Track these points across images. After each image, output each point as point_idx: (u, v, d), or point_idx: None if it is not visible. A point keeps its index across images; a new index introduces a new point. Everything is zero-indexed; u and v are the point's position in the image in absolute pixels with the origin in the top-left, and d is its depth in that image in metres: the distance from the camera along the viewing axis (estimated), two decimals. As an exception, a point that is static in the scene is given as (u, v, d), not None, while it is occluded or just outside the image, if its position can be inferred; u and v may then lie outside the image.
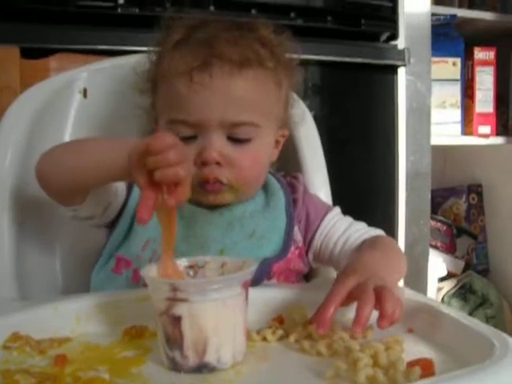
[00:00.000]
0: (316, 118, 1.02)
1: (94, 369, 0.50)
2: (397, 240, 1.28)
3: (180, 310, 0.50)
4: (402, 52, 1.28)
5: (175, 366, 0.51)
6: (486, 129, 1.67)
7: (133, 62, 0.81)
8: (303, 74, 1.22)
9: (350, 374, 0.48)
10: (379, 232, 0.81)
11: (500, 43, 1.72)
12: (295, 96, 0.86)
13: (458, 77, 1.64)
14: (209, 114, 0.70)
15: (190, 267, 0.58)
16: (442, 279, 1.82)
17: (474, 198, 1.97)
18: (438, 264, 1.78)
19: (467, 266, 1.91)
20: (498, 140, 1.70)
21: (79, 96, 0.89)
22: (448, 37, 1.60)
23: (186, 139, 0.71)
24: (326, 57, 1.20)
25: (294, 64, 0.79)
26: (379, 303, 0.55)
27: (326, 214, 0.81)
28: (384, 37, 1.29)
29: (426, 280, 1.40)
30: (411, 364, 0.47)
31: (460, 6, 1.73)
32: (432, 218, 1.82)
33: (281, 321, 0.62)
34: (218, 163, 0.71)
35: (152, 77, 0.77)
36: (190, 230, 0.74)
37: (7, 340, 0.55)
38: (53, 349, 0.56)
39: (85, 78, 0.90)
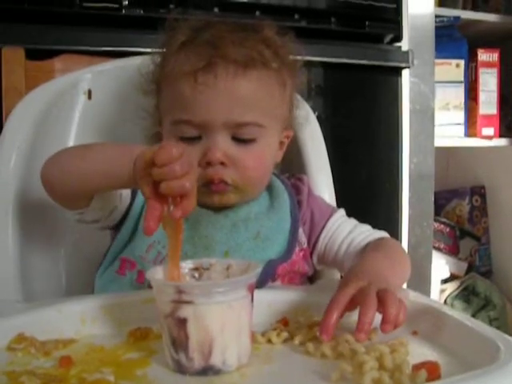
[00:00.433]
0: (320, 120, 1.02)
1: (99, 370, 0.50)
2: (400, 242, 1.28)
3: (185, 312, 0.50)
4: (406, 54, 1.28)
5: (180, 369, 0.51)
6: (489, 130, 1.67)
7: (137, 63, 0.82)
8: (307, 76, 1.22)
9: (355, 376, 0.48)
10: (384, 234, 0.81)
11: (504, 45, 1.72)
12: (299, 97, 0.86)
13: (462, 78, 1.64)
14: (213, 114, 0.70)
15: (195, 269, 0.58)
16: (445, 281, 1.82)
17: (477, 200, 1.97)
18: (441, 266, 1.78)
19: (470, 268, 1.91)
20: (502, 142, 1.70)
21: (84, 97, 0.90)
22: (452, 38, 1.60)
23: (191, 140, 0.71)
24: (329, 58, 1.20)
25: (297, 65, 0.79)
26: (382, 307, 0.55)
27: (330, 215, 0.81)
28: (388, 38, 1.29)
29: (429, 282, 1.40)
30: (417, 367, 0.47)
31: (464, 7, 1.73)
32: (435, 220, 1.82)
33: (285, 323, 0.62)
34: (222, 163, 0.71)
35: (157, 78, 0.77)
36: (195, 232, 0.74)
37: (12, 341, 0.55)
38: (58, 350, 0.56)
39: (89, 80, 0.90)
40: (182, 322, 0.50)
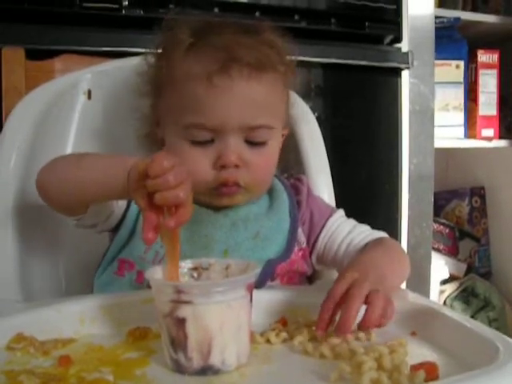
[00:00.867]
0: (319, 120, 1.02)
1: (98, 370, 0.50)
2: (399, 242, 1.28)
3: (184, 312, 0.50)
4: (406, 55, 1.28)
5: (179, 368, 0.51)
6: (489, 132, 1.67)
7: (135, 64, 0.81)
8: (307, 77, 1.22)
9: (354, 376, 0.48)
10: (383, 234, 0.81)
11: (503, 46, 1.72)
12: (295, 95, 0.87)
13: (462, 79, 1.64)
14: (229, 117, 0.70)
15: (194, 269, 0.58)
16: (444, 282, 1.82)
17: (476, 201, 1.97)
18: (440, 267, 1.78)
19: (469, 269, 1.91)
20: (501, 143, 1.70)
21: (84, 97, 0.90)
22: (451, 39, 1.60)
23: (203, 143, 0.71)
24: (329, 59, 1.20)
25: (294, 64, 0.79)
26: (367, 307, 0.56)
27: (329, 216, 0.81)
28: (388, 39, 1.29)
29: (429, 283, 1.40)
30: (415, 367, 0.47)
31: (463, 8, 1.73)
32: (434, 221, 1.82)
33: (284, 323, 0.62)
34: (236, 166, 0.71)
35: (157, 80, 0.77)
36: (194, 231, 0.74)
37: (11, 341, 0.56)
38: (57, 350, 0.56)
39: (89, 80, 0.90)
40: (181, 322, 0.50)
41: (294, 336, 0.58)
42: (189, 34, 0.73)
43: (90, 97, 0.90)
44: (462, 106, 1.64)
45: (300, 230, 0.79)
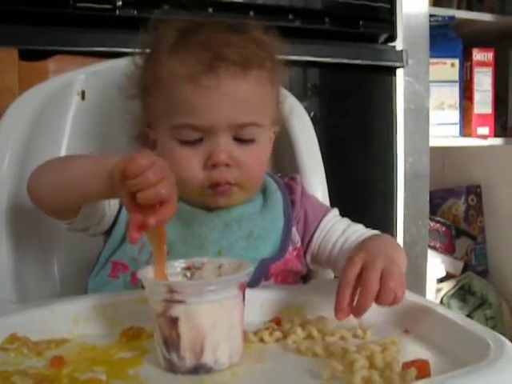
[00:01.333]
0: (315, 119, 1.02)
1: (91, 370, 0.50)
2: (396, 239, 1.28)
3: (177, 311, 0.50)
4: (400, 53, 1.28)
5: (172, 368, 0.51)
6: (484, 130, 1.67)
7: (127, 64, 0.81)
8: (302, 76, 1.23)
9: (346, 375, 0.48)
10: (377, 233, 0.81)
11: (498, 44, 1.72)
12: (284, 91, 0.87)
13: (457, 78, 1.64)
14: (217, 116, 0.70)
15: (187, 268, 0.58)
16: (440, 280, 1.82)
17: (472, 199, 1.97)
18: (436, 265, 1.78)
19: (466, 267, 1.91)
20: (497, 141, 1.70)
21: (77, 98, 0.90)
22: (446, 38, 1.60)
23: (192, 143, 0.71)
24: (324, 58, 1.20)
25: (282, 62, 0.79)
26: (381, 287, 0.56)
27: (324, 215, 0.81)
28: (382, 38, 1.29)
29: (425, 281, 1.40)
30: (407, 365, 0.48)
31: (458, 7, 1.73)
32: (431, 219, 1.83)
33: (278, 322, 0.62)
34: (227, 165, 0.71)
35: (144, 82, 0.77)
36: (188, 231, 0.74)
37: (4, 341, 0.56)
38: (50, 350, 0.56)
39: (83, 80, 0.90)
40: (174, 322, 0.50)
41: (288, 335, 0.58)
42: (173, 34, 0.73)
43: (83, 97, 0.90)
44: (458, 105, 1.65)
45: (294, 230, 0.79)
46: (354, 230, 0.80)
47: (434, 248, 1.89)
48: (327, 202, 0.93)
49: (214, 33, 0.72)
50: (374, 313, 0.58)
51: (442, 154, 1.98)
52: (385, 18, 1.27)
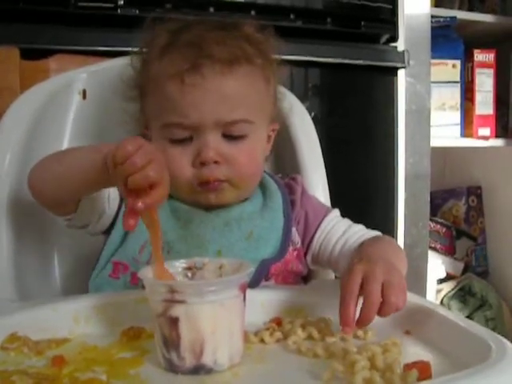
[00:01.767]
0: (316, 120, 1.02)
1: (92, 370, 0.50)
2: (396, 242, 1.28)
3: (177, 311, 0.50)
4: (402, 54, 1.28)
5: (172, 368, 0.51)
6: (485, 131, 1.67)
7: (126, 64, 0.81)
8: (303, 76, 1.22)
9: (346, 376, 0.48)
10: (378, 234, 0.81)
11: (500, 45, 1.72)
12: (283, 89, 0.87)
13: (458, 79, 1.64)
14: (204, 114, 0.70)
15: (188, 269, 0.58)
16: (441, 281, 1.82)
17: (473, 200, 1.97)
18: (437, 266, 1.78)
19: (466, 268, 1.91)
20: (498, 142, 1.70)
21: (78, 97, 0.89)
22: (448, 39, 1.60)
23: (182, 141, 0.72)
24: (325, 58, 1.20)
25: (279, 59, 0.79)
26: (383, 297, 0.56)
27: (324, 216, 0.81)
28: (384, 39, 1.29)
29: (426, 282, 1.40)
30: (408, 366, 0.47)
31: (460, 8, 1.73)
32: (431, 220, 1.83)
33: (278, 322, 0.62)
34: (216, 162, 0.71)
35: (140, 84, 0.77)
36: (188, 231, 0.74)
37: (5, 341, 0.55)
38: (50, 350, 0.56)
39: (84, 79, 0.90)
40: (174, 322, 0.50)
41: (289, 336, 0.58)
42: (165, 35, 0.73)
43: (84, 96, 0.90)
44: (459, 106, 1.65)
45: (294, 230, 0.79)
46: (354, 231, 0.80)
47: (434, 249, 1.89)
48: (328, 202, 0.93)
49: (203, 31, 0.72)
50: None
51: (442, 155, 1.98)
52: (386, 19, 1.27)
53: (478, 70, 1.66)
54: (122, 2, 1.01)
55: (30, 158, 0.81)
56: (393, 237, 1.29)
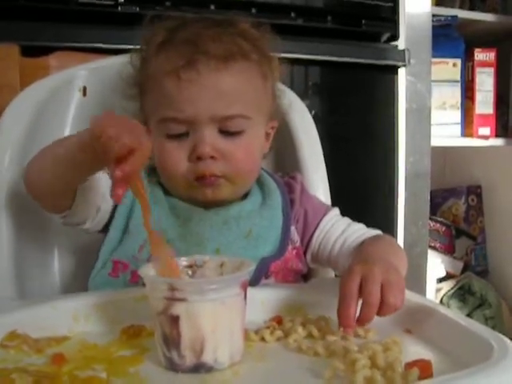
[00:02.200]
0: (316, 118, 1.02)
1: (92, 368, 0.50)
2: (396, 240, 1.28)
3: (178, 309, 0.50)
4: (403, 52, 1.27)
5: (172, 366, 0.51)
6: (485, 130, 1.67)
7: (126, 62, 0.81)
8: (304, 74, 1.22)
9: (347, 374, 0.48)
10: (378, 232, 0.81)
11: (500, 44, 1.72)
12: (283, 86, 0.87)
13: (458, 78, 1.64)
14: (199, 109, 0.70)
15: (189, 266, 0.58)
16: (440, 280, 1.82)
17: (473, 200, 1.97)
18: (436, 265, 1.78)
19: (466, 267, 1.91)
20: (498, 141, 1.70)
21: (79, 94, 0.89)
22: (448, 38, 1.60)
23: (178, 136, 0.72)
24: (326, 57, 1.20)
25: (276, 56, 0.79)
26: (382, 298, 0.56)
27: (324, 214, 0.81)
28: (384, 37, 1.29)
29: (425, 281, 1.40)
30: (409, 365, 0.47)
31: (461, 7, 1.73)
32: (431, 219, 1.83)
33: (279, 321, 0.62)
34: (212, 157, 0.71)
35: (139, 81, 0.78)
36: (187, 229, 0.74)
37: (4, 338, 0.55)
38: (50, 347, 0.55)
39: (84, 77, 0.90)
40: (175, 320, 0.50)
41: (289, 334, 0.58)
42: (162, 33, 0.74)
43: (85, 94, 0.90)
44: (459, 105, 1.64)
45: (293, 229, 0.79)
46: (353, 229, 0.79)
47: (433, 248, 1.89)
48: (328, 201, 0.92)
49: (199, 29, 0.73)
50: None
51: (443, 154, 1.98)
52: (387, 17, 1.27)
53: (478, 69, 1.66)
54: (122, 0, 1.01)
55: (30, 155, 0.80)
56: (392, 235, 1.29)
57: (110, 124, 0.55)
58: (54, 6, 0.97)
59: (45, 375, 0.48)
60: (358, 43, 1.24)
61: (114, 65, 0.91)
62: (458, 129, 1.66)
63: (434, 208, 1.97)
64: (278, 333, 0.58)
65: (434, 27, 1.36)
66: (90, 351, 0.55)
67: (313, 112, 1.15)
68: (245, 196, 0.79)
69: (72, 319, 0.60)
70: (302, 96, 1.03)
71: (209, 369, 0.50)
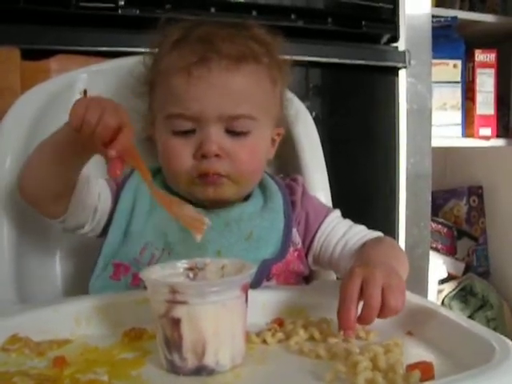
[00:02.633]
0: (317, 120, 1.02)
1: (93, 371, 0.50)
2: (397, 242, 1.28)
3: (179, 312, 0.50)
4: (403, 54, 1.27)
5: (174, 369, 0.51)
6: (486, 131, 1.67)
7: (132, 63, 0.82)
8: (304, 76, 1.22)
9: (349, 376, 0.48)
10: (379, 234, 0.81)
11: (501, 45, 1.72)
12: (291, 95, 0.87)
13: (459, 79, 1.64)
14: (207, 106, 0.70)
15: (190, 269, 0.58)
16: (442, 281, 1.82)
17: (474, 200, 1.97)
18: (438, 266, 1.78)
19: (468, 268, 1.91)
20: (499, 142, 1.70)
21: (80, 97, 0.89)
22: (449, 39, 1.60)
23: (185, 133, 0.72)
24: (326, 58, 1.20)
25: (286, 63, 0.80)
26: (383, 302, 0.56)
27: (325, 216, 0.81)
28: (385, 39, 1.29)
29: (427, 282, 1.40)
30: (411, 367, 0.47)
31: (461, 8, 1.73)
32: (433, 220, 1.82)
33: (280, 323, 0.62)
34: (217, 156, 0.71)
35: (150, 79, 0.78)
36: (187, 232, 0.73)
37: (6, 342, 0.55)
38: (52, 351, 0.56)
39: (85, 80, 0.90)
40: (176, 322, 0.50)
41: (291, 336, 0.58)
42: (177, 32, 0.74)
43: (85, 97, 0.89)
44: (460, 106, 1.65)
45: (295, 231, 0.79)
46: (355, 232, 0.79)
47: (435, 249, 1.89)
48: (329, 203, 0.92)
49: (214, 28, 0.74)
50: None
51: (444, 155, 1.98)
52: (387, 19, 1.27)
53: (478, 70, 1.66)
54: (123, 3, 1.01)
55: (31, 159, 0.80)
56: (394, 237, 1.29)
57: (85, 111, 0.57)
58: (55, 9, 0.97)
59: (46, 378, 0.48)
60: (358, 45, 1.24)
61: (115, 68, 0.91)
62: (458, 130, 1.66)
63: (436, 209, 1.96)
64: (280, 335, 0.58)
65: (434, 28, 1.36)
66: (92, 354, 0.55)
67: (313, 114, 1.15)
68: (246, 198, 0.79)
69: (74, 322, 0.60)
70: (303, 98, 1.03)
71: (210, 371, 0.50)
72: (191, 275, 0.58)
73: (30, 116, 0.84)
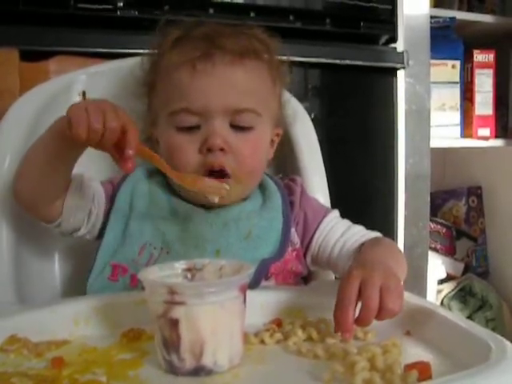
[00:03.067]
0: (315, 120, 1.02)
1: (92, 371, 0.50)
2: (396, 242, 1.28)
3: (177, 313, 0.50)
4: (401, 54, 1.28)
5: (172, 369, 0.51)
6: (485, 131, 1.67)
7: (131, 64, 0.82)
8: (303, 77, 1.22)
9: (347, 377, 0.48)
10: (378, 234, 0.81)
11: (499, 46, 1.72)
12: (289, 95, 0.87)
13: (458, 79, 1.64)
14: (212, 100, 0.71)
15: (188, 270, 0.58)
16: (441, 281, 1.82)
17: (473, 201, 1.97)
18: (437, 266, 1.78)
19: (467, 269, 1.91)
20: (498, 142, 1.70)
21: (78, 98, 0.89)
22: (447, 39, 1.60)
23: (189, 129, 0.72)
24: (325, 59, 1.20)
25: (284, 64, 0.81)
26: (380, 303, 0.56)
27: (324, 216, 0.81)
28: (383, 39, 1.29)
29: (426, 282, 1.40)
30: (408, 367, 0.47)
31: (459, 8, 1.73)
32: (432, 221, 1.83)
33: (279, 323, 0.62)
34: (222, 150, 0.71)
35: (150, 79, 0.78)
36: (186, 230, 0.74)
37: (4, 343, 0.56)
38: (50, 351, 0.56)
39: (84, 81, 0.90)
40: (174, 323, 0.50)
41: (289, 337, 0.58)
42: (178, 30, 0.75)
43: (84, 98, 0.90)
44: (458, 106, 1.65)
45: (293, 231, 0.79)
46: (353, 232, 0.80)
47: (434, 249, 1.89)
48: (328, 204, 0.93)
49: (215, 27, 0.75)
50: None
51: (442, 156, 1.98)
52: (386, 19, 1.27)
53: (477, 71, 1.66)
54: (122, 4, 1.01)
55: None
56: (393, 237, 1.29)
57: (88, 118, 0.57)
58: (54, 11, 0.97)
59: (45, 379, 0.49)
60: (356, 46, 1.24)
61: (114, 69, 0.91)
62: (457, 130, 1.66)
63: (435, 209, 1.97)
64: (278, 335, 0.58)
65: (432, 29, 1.36)
66: (90, 355, 0.55)
67: (312, 114, 1.15)
68: (245, 197, 0.79)
69: (72, 323, 0.61)
70: (301, 99, 1.03)
71: (208, 372, 0.50)
72: (189, 276, 0.58)
73: (29, 117, 0.84)
